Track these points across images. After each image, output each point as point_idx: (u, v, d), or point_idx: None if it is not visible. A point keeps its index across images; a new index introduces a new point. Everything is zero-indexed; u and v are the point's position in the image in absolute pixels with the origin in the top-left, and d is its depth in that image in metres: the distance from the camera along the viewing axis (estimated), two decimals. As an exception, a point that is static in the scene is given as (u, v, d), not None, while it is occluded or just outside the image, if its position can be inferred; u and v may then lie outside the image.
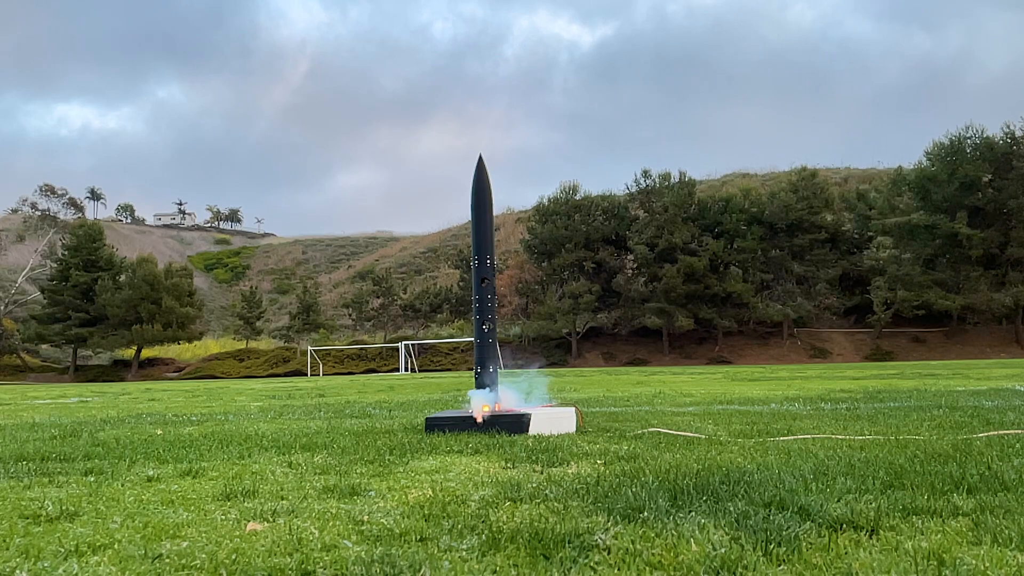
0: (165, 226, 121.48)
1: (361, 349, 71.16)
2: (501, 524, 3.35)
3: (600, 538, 3.07)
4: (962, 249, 59.40)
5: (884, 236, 61.92)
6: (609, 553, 2.88)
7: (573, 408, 7.66)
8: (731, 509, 3.56)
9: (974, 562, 2.65)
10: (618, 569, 2.71)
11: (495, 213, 7.77)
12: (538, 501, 3.90)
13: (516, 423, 7.02)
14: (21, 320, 69.97)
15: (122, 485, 4.73)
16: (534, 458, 5.50)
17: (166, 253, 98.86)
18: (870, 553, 2.81)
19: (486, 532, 3.21)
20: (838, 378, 21.33)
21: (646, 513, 3.51)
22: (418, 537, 3.18)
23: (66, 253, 67.61)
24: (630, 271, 70.30)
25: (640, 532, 3.18)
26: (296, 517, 3.65)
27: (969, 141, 60.72)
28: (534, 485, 4.37)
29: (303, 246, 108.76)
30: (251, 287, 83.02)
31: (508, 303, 76.32)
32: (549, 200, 72.84)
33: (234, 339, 79.22)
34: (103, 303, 62.93)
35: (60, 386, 40.56)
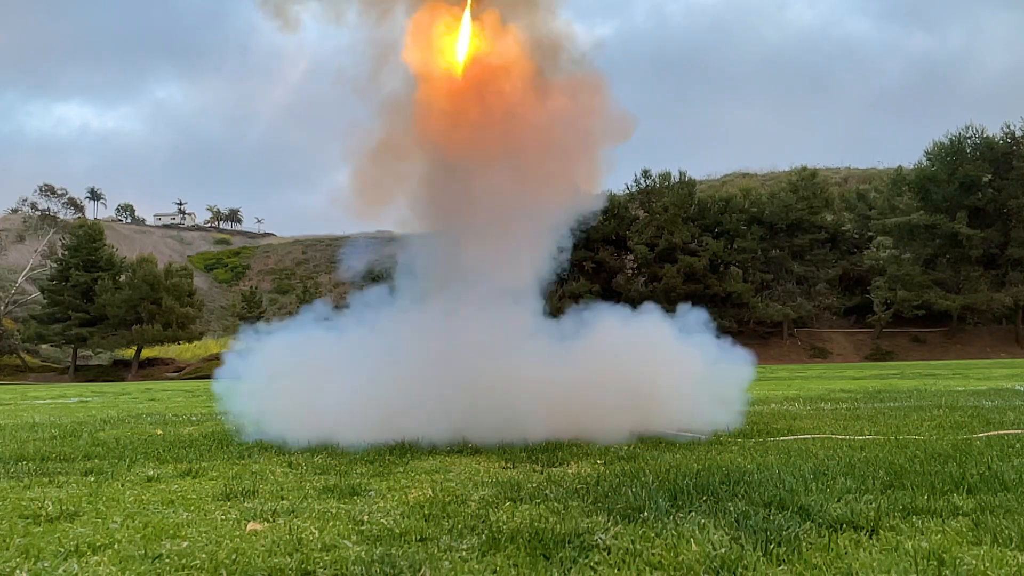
0: (165, 226, 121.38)
1: (361, 349, 70.98)
2: (501, 524, 3.36)
3: (600, 538, 3.07)
4: (962, 249, 59.40)
5: (884, 236, 61.92)
6: (609, 553, 2.88)
7: None
8: (731, 509, 3.56)
9: (974, 562, 2.65)
10: (618, 569, 2.71)
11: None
12: (538, 501, 3.90)
13: None
14: (21, 320, 69.95)
15: (122, 485, 4.73)
16: (534, 458, 5.50)
17: (166, 253, 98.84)
18: (870, 553, 2.81)
19: (486, 532, 3.21)
20: (838, 378, 21.33)
21: (646, 513, 3.51)
22: (418, 537, 3.18)
23: (66, 253, 67.58)
24: (630, 271, 70.31)
25: (640, 532, 3.18)
26: (296, 517, 3.65)
27: (969, 141, 60.72)
28: (534, 485, 4.37)
29: (303, 246, 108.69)
30: (251, 287, 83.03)
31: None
32: (549, 200, 72.78)
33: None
34: (103, 303, 62.93)
35: (60, 386, 40.59)
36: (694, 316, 7.83)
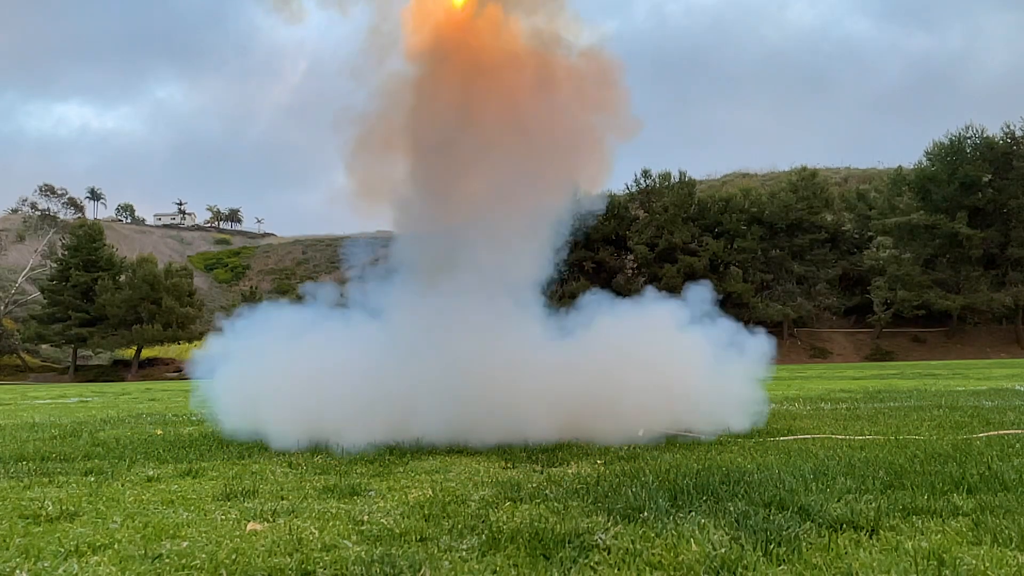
0: (165, 226, 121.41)
1: (361, 349, 70.88)
2: (501, 524, 3.36)
3: (600, 538, 3.07)
4: (962, 249, 59.44)
5: (884, 236, 61.97)
6: (609, 553, 2.89)
7: None
8: (731, 509, 3.56)
9: (974, 562, 2.65)
10: (618, 569, 2.71)
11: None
12: (538, 501, 3.90)
13: None
14: (21, 320, 69.99)
15: (122, 485, 4.74)
16: (534, 458, 5.50)
17: (166, 253, 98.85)
18: (870, 553, 2.81)
19: (486, 532, 3.21)
20: (838, 378, 21.33)
21: (646, 513, 3.51)
22: (418, 537, 3.19)
23: (66, 253, 67.63)
24: (630, 271, 70.36)
25: (640, 532, 3.18)
26: (296, 517, 3.65)
27: (969, 141, 60.76)
28: (534, 485, 4.37)
29: (303, 246, 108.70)
30: (251, 287, 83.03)
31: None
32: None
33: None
34: (103, 303, 62.96)
35: (60, 386, 40.60)
36: (697, 296, 7.45)
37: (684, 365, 6.78)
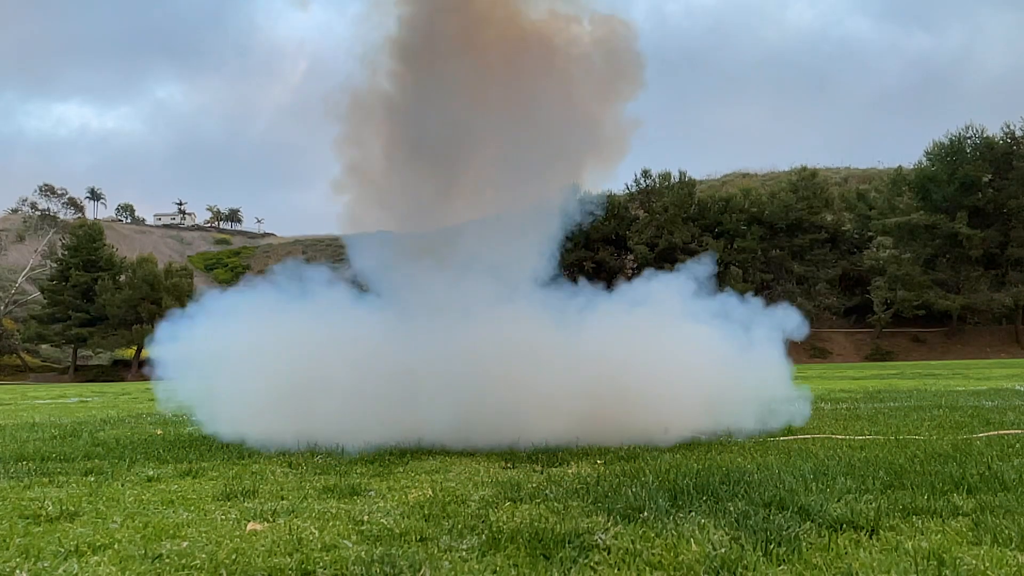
0: (165, 226, 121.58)
1: (361, 349, 70.81)
2: (501, 524, 3.36)
3: (600, 538, 3.07)
4: (962, 249, 59.49)
5: (884, 236, 62.03)
6: (609, 553, 2.88)
7: None
8: (731, 509, 3.56)
9: (974, 562, 2.65)
10: (618, 569, 2.71)
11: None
12: (538, 501, 3.90)
13: None
14: (21, 320, 70.07)
15: (122, 485, 4.74)
16: (534, 458, 5.50)
17: (166, 253, 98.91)
18: (870, 553, 2.81)
19: (486, 532, 3.21)
20: (838, 378, 21.34)
21: (646, 513, 3.51)
22: (418, 537, 3.18)
23: (66, 253, 67.72)
24: (630, 271, 70.43)
25: (640, 532, 3.18)
26: (296, 517, 3.65)
27: (969, 141, 60.82)
28: (534, 485, 4.37)
29: (303, 246, 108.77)
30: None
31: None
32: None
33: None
34: (103, 303, 63.02)
35: (60, 386, 40.59)
36: (700, 273, 7.32)
37: (702, 355, 6.62)
